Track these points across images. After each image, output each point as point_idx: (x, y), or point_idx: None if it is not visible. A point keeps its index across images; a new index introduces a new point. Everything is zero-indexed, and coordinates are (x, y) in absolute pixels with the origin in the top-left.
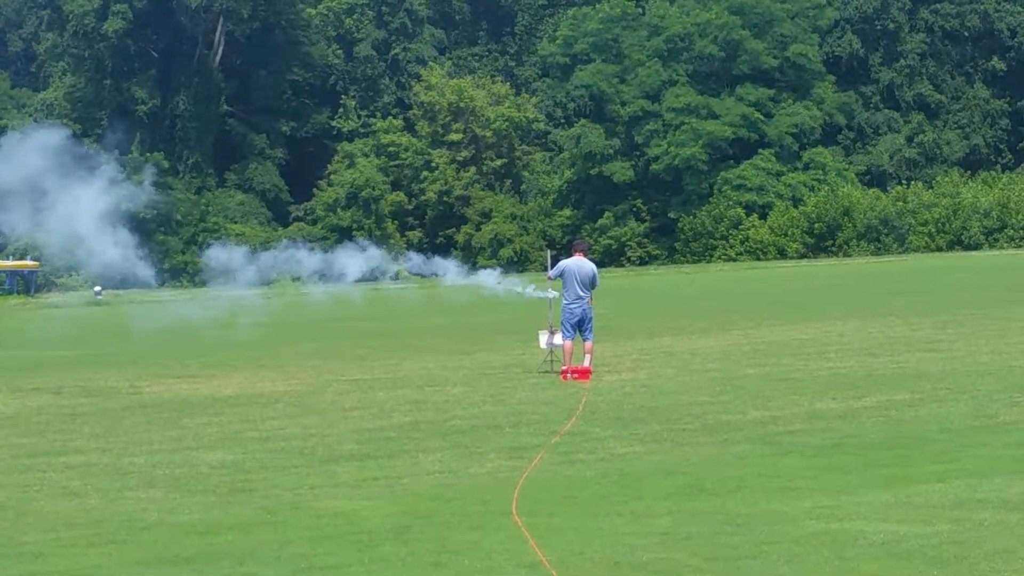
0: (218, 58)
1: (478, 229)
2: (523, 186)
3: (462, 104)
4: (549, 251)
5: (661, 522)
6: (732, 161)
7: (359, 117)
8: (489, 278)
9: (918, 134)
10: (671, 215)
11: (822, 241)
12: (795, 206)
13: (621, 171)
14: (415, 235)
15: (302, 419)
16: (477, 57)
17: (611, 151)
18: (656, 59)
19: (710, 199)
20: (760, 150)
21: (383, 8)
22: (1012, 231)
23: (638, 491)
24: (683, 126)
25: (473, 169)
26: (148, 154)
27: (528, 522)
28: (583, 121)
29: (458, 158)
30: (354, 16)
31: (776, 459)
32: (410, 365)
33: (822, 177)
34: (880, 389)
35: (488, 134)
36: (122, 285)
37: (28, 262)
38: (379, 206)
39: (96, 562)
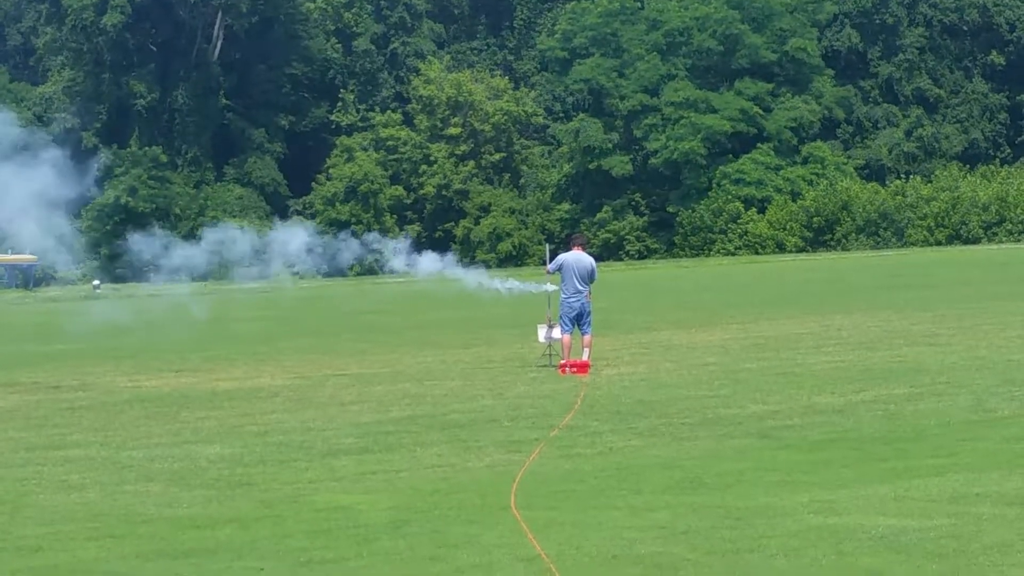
0: (217, 52)
1: (477, 223)
2: (522, 180)
3: (461, 98)
4: (548, 245)
5: (659, 516)
6: (731, 155)
7: (358, 111)
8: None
9: (917, 128)
10: (670, 209)
11: (821, 235)
12: (794, 200)
13: (620, 165)
14: (414, 229)
15: (301, 413)
16: (476, 51)
17: (610, 145)
18: (655, 53)
19: (709, 193)
20: (759, 144)
21: (382, 2)
22: (1011, 225)
23: (636, 485)
24: (682, 120)
25: (472, 163)
26: (147, 148)
27: (526, 516)
28: (582, 115)
29: (457, 152)
30: (353, 10)
31: (774, 453)
32: (409, 359)
33: (821, 171)
34: (879, 383)
35: (487, 128)
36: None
37: (27, 256)
38: (378, 200)
39: (94, 556)
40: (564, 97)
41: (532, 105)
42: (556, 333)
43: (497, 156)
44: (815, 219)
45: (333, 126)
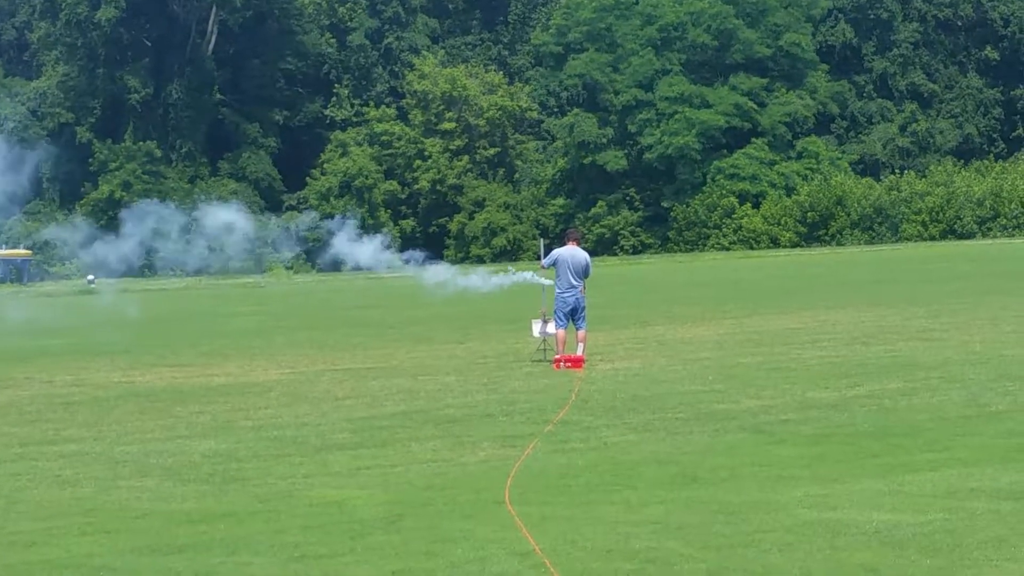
0: (211, 47)
1: (471, 218)
2: (516, 175)
3: (455, 93)
4: (542, 240)
5: (654, 511)
6: (725, 150)
7: (352, 106)
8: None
9: (911, 123)
10: (664, 204)
11: (815, 230)
12: (788, 195)
13: (614, 160)
14: (408, 224)
15: (295, 408)
16: (470, 46)
17: (604, 140)
18: (649, 48)
19: (703, 188)
20: (753, 139)
21: None
22: (1005, 220)
23: (631, 480)
24: (676, 115)
25: (466, 158)
26: (141, 143)
27: (521, 511)
28: (576, 110)
29: (451, 147)
30: (347, 5)
31: (769, 448)
32: (403, 354)
33: (815, 166)
34: (873, 378)
35: (481, 123)
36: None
37: (21, 251)
38: (372, 195)
39: (88, 551)
40: (558, 92)
41: (526, 100)
42: (550, 328)
43: (491, 151)
44: (809, 214)
45: (327, 121)
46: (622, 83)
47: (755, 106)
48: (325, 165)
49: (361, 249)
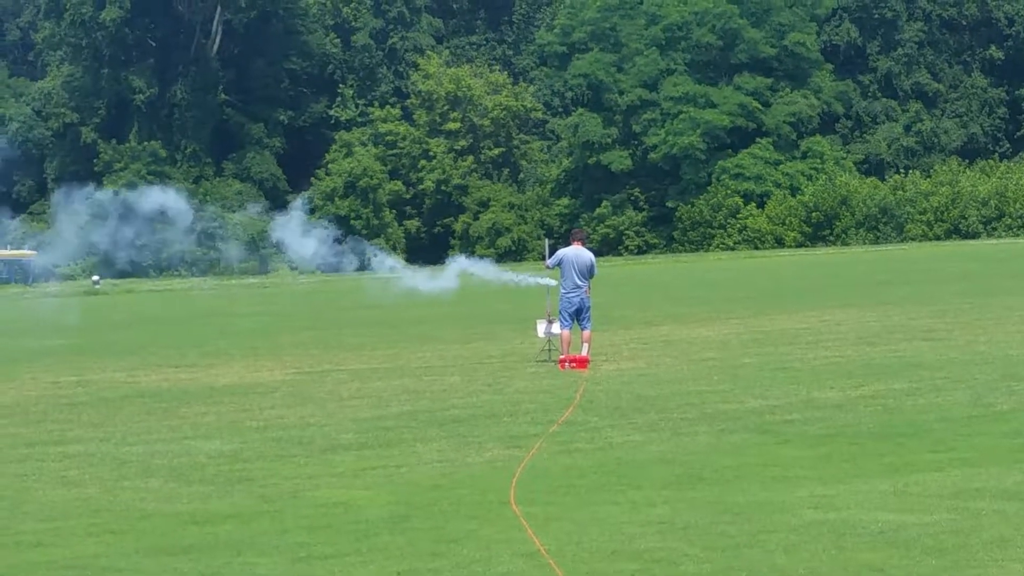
0: (216, 47)
1: (476, 218)
2: (521, 175)
3: (460, 93)
4: (547, 240)
5: (659, 511)
6: (730, 150)
7: (357, 106)
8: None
9: (916, 123)
10: (669, 204)
11: (820, 230)
12: (793, 195)
13: (619, 160)
14: (413, 224)
15: (300, 408)
16: (475, 46)
17: (609, 140)
18: (654, 48)
19: (708, 188)
20: (758, 139)
21: None
22: (1010, 220)
23: (636, 480)
24: (681, 115)
25: (471, 158)
26: (146, 143)
27: (526, 511)
28: (581, 110)
29: (456, 147)
30: (352, 5)
31: (774, 448)
32: (408, 354)
33: (820, 166)
34: (878, 378)
35: (486, 123)
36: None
37: (26, 251)
38: (377, 195)
39: (94, 551)
40: (563, 92)
41: (531, 100)
42: (555, 328)
43: (496, 151)
44: (814, 214)
45: (332, 121)
46: (627, 83)
47: (760, 106)
48: (330, 165)
49: (304, 244)
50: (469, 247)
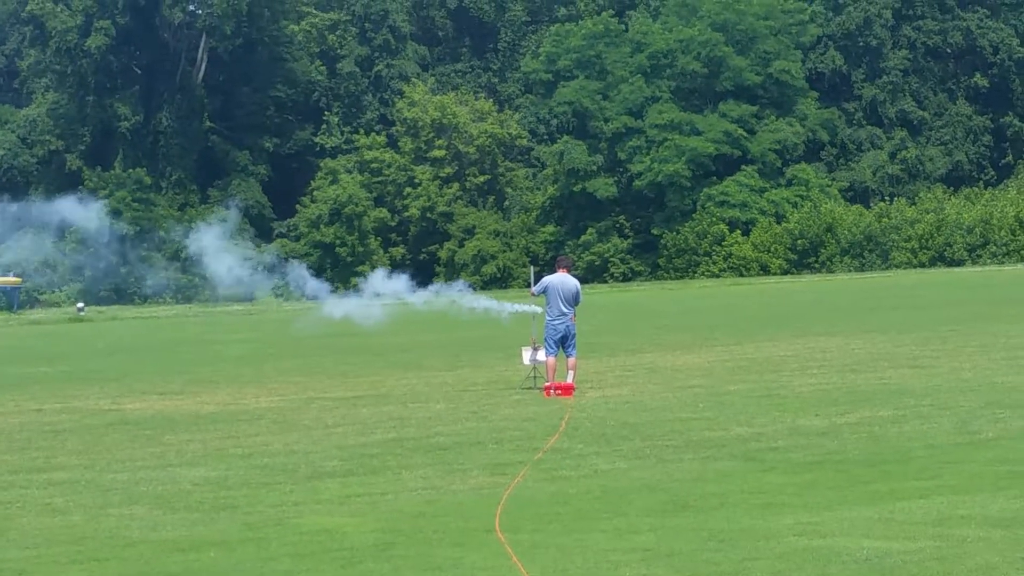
0: (201, 74)
1: (461, 245)
2: (506, 202)
3: (445, 120)
4: (532, 267)
5: (644, 538)
6: (715, 177)
7: (342, 133)
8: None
9: (901, 150)
10: (654, 231)
11: (805, 257)
12: (778, 222)
13: (604, 187)
14: (398, 251)
15: (285, 436)
16: (460, 74)
17: (594, 167)
18: (639, 75)
19: (693, 215)
20: (743, 166)
21: (366, 25)
22: (995, 247)
23: (621, 507)
24: (666, 142)
25: (456, 185)
26: (131, 170)
27: (511, 539)
28: (566, 137)
29: (441, 174)
30: (337, 33)
31: (759, 475)
32: (393, 382)
33: (805, 193)
34: (863, 405)
35: (471, 150)
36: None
37: (11, 278)
38: (362, 222)
39: None
40: (548, 119)
41: (516, 127)
42: (541, 355)
43: (481, 178)
44: (799, 241)
45: (317, 148)
46: (612, 110)
47: (745, 133)
48: (315, 193)
49: (219, 261)
50: (454, 274)
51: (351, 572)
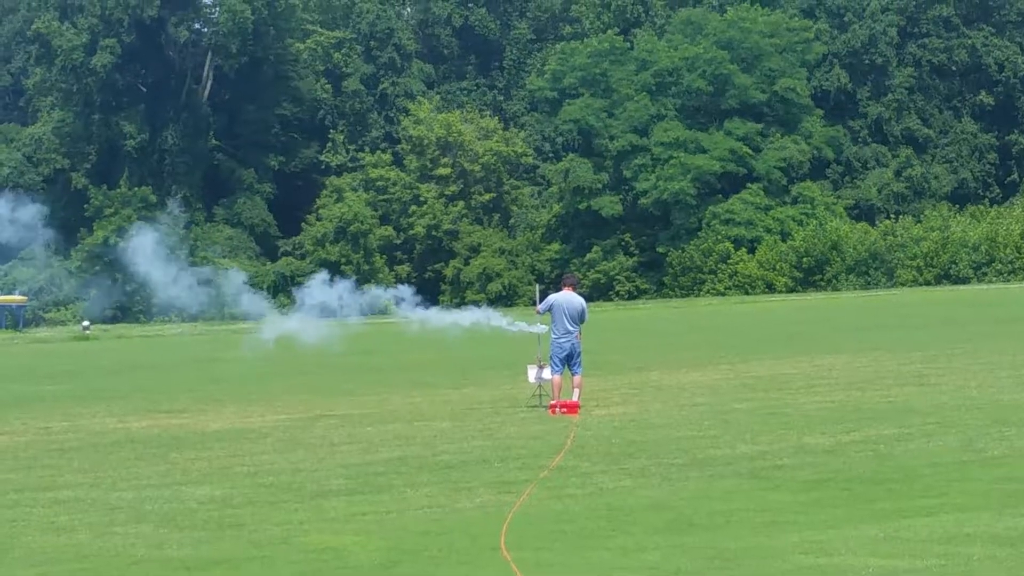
0: (206, 93)
1: (467, 263)
2: (512, 220)
3: (450, 138)
4: (538, 285)
5: (650, 557)
6: (720, 195)
7: (347, 151)
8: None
9: (906, 168)
10: (660, 249)
11: (811, 275)
12: (783, 240)
13: (610, 205)
14: (403, 269)
15: (290, 454)
16: (465, 91)
17: (599, 185)
18: (644, 93)
19: (699, 233)
20: (748, 184)
21: (371, 43)
22: (1000, 265)
23: (627, 526)
24: (671, 160)
25: (461, 203)
26: (136, 188)
27: (517, 557)
28: (571, 155)
29: (446, 192)
30: (342, 51)
31: (765, 494)
32: (398, 400)
33: (810, 211)
34: (869, 424)
35: (476, 168)
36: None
37: (16, 296)
38: (367, 240)
39: None
40: (554, 137)
41: (522, 145)
42: (546, 374)
43: (487, 196)
44: (805, 259)
45: (323, 166)
46: (617, 128)
47: (750, 151)
48: (320, 211)
49: (149, 261)
50: (460, 292)
51: None
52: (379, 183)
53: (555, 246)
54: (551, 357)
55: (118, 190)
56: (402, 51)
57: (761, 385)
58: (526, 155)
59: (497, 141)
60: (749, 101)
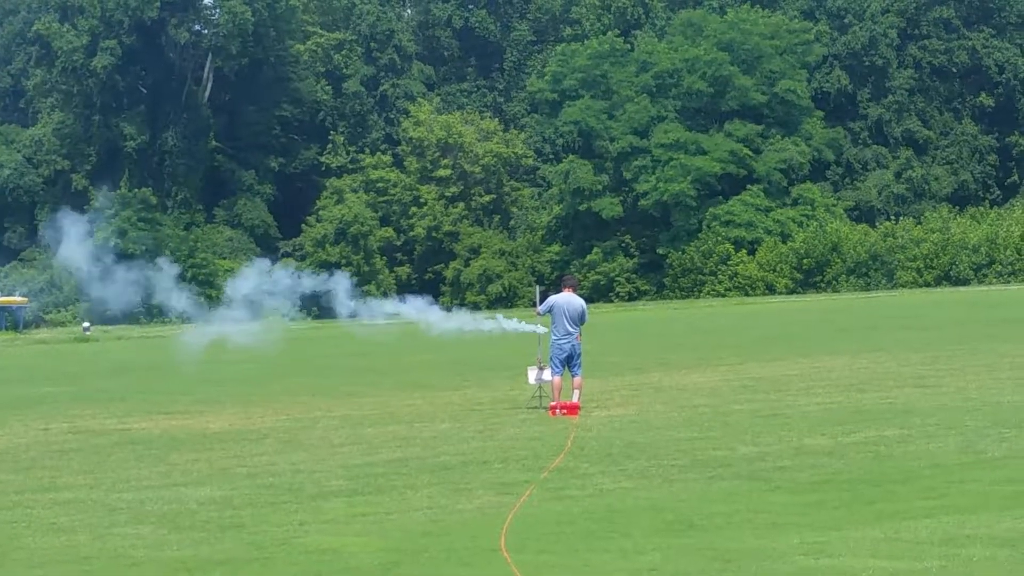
0: (207, 94)
1: (467, 265)
2: (512, 222)
3: (451, 140)
4: (538, 287)
5: (649, 558)
6: (721, 197)
7: (348, 153)
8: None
9: (906, 170)
10: (660, 251)
11: (811, 277)
12: (784, 242)
13: (610, 207)
14: (403, 271)
15: (291, 455)
16: (466, 93)
17: (600, 187)
18: (645, 95)
19: (699, 235)
20: (749, 186)
21: (372, 44)
22: (1000, 267)
23: (626, 527)
24: (672, 162)
25: (462, 205)
26: (136, 190)
27: (516, 558)
28: (572, 157)
29: (447, 194)
30: (343, 52)
31: (765, 495)
32: (398, 401)
33: (811, 213)
34: (869, 425)
35: (477, 170)
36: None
37: (16, 298)
38: (368, 242)
39: None
40: (554, 139)
41: (522, 147)
42: (546, 375)
43: (487, 198)
44: (805, 261)
45: (323, 168)
46: (617, 130)
47: (750, 153)
48: (320, 212)
49: (72, 250)
50: (460, 294)
51: None
52: (379, 184)
53: (555, 247)
54: (551, 358)
55: (118, 191)
56: (402, 52)
57: (761, 386)
58: (526, 157)
59: (497, 143)
60: (749, 103)
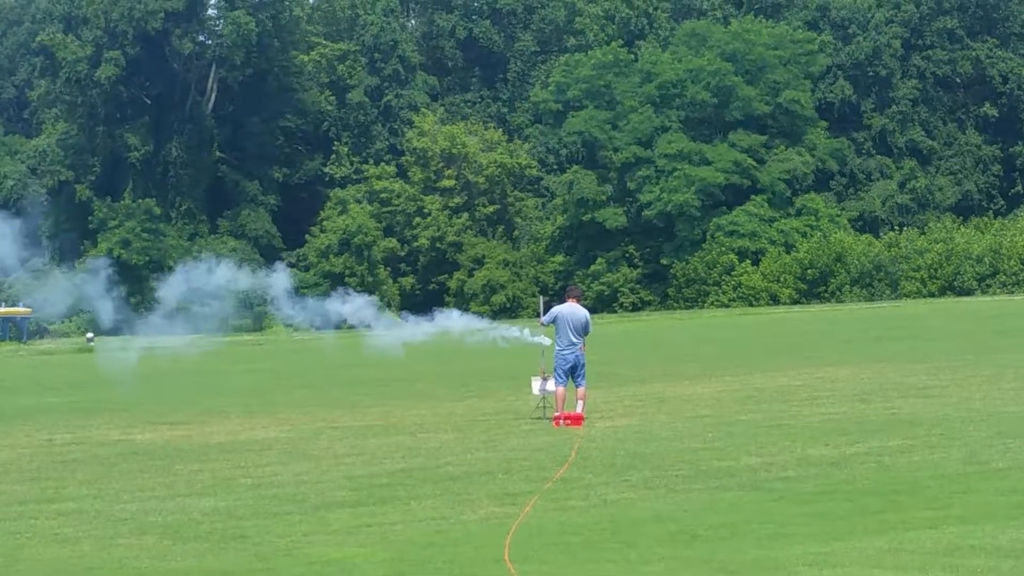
0: (211, 105)
1: (471, 275)
2: (516, 232)
3: (455, 150)
4: (542, 297)
5: (654, 569)
6: (725, 207)
7: (351, 163)
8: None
9: (910, 180)
10: (664, 261)
11: (815, 287)
12: (788, 252)
13: (614, 217)
14: (408, 281)
15: (294, 465)
16: (470, 103)
17: (604, 197)
18: (648, 105)
19: (703, 245)
20: (752, 196)
21: (375, 55)
22: (1004, 277)
23: (631, 538)
24: (675, 172)
25: (466, 215)
26: (140, 200)
27: (520, 569)
28: (575, 167)
29: (450, 204)
30: (347, 63)
31: (769, 505)
32: (402, 412)
33: (815, 223)
34: (873, 435)
35: (481, 180)
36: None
37: (20, 308)
38: (371, 252)
39: None
40: (558, 149)
41: (526, 157)
42: (550, 385)
43: (491, 208)
44: (809, 271)
45: (327, 178)
46: (621, 140)
47: (754, 163)
48: (324, 223)
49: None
50: (464, 304)
51: None
52: (383, 195)
53: (559, 258)
54: (555, 369)
55: (122, 202)
56: (406, 63)
57: (765, 397)
58: (530, 167)
59: (501, 153)
60: (753, 113)
